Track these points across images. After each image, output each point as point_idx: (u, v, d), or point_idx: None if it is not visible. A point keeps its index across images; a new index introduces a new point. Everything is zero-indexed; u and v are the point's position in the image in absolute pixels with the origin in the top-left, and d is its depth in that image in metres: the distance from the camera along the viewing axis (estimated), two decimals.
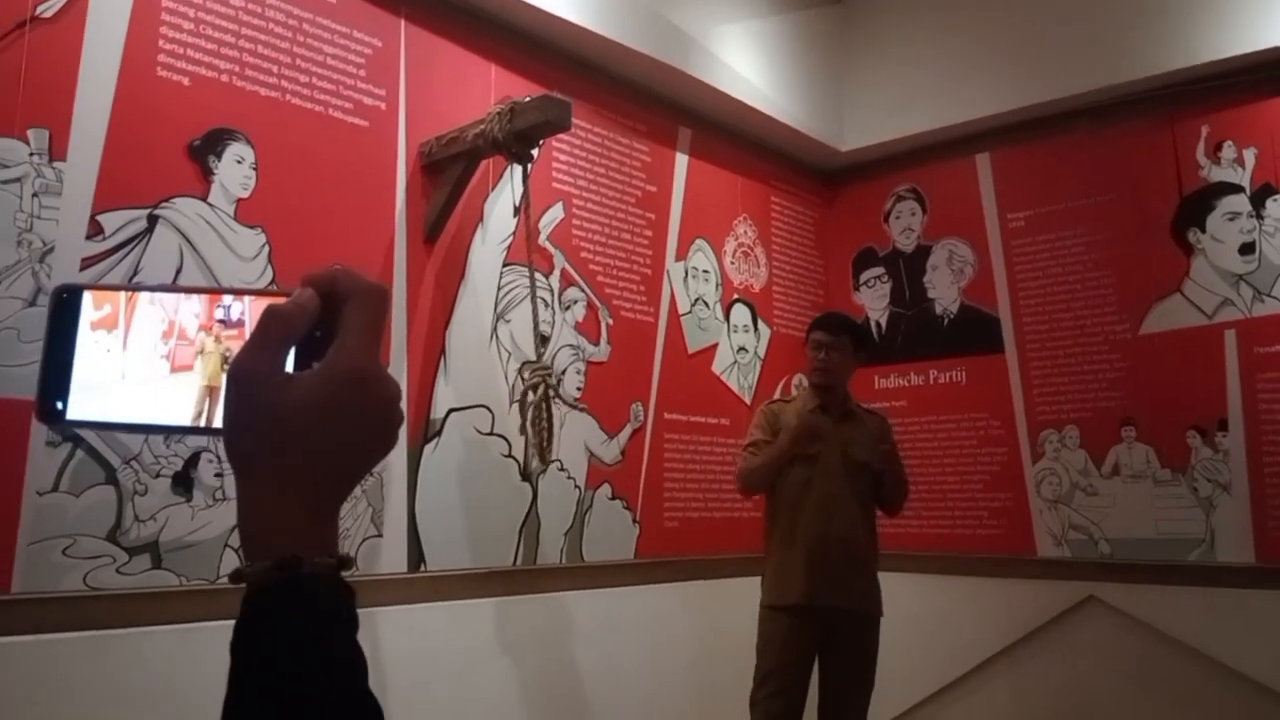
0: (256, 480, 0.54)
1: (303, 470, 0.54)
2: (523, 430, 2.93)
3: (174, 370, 0.58)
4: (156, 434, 2.21)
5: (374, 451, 0.57)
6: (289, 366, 0.55)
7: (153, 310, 0.59)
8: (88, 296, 0.58)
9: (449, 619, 2.93)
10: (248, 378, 0.54)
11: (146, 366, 0.58)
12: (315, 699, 0.51)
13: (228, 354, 0.57)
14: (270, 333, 0.55)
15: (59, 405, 0.57)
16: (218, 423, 0.57)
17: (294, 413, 0.54)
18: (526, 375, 2.95)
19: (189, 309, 0.59)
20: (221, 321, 0.58)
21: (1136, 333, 3.95)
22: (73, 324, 0.58)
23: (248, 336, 0.55)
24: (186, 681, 2.33)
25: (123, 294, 0.59)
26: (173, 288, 0.60)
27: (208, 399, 0.58)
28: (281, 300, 0.56)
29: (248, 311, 0.58)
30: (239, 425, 0.54)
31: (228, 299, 0.59)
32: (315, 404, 0.54)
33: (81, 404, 0.57)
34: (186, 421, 0.58)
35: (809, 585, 3.13)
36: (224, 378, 0.56)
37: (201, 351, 0.58)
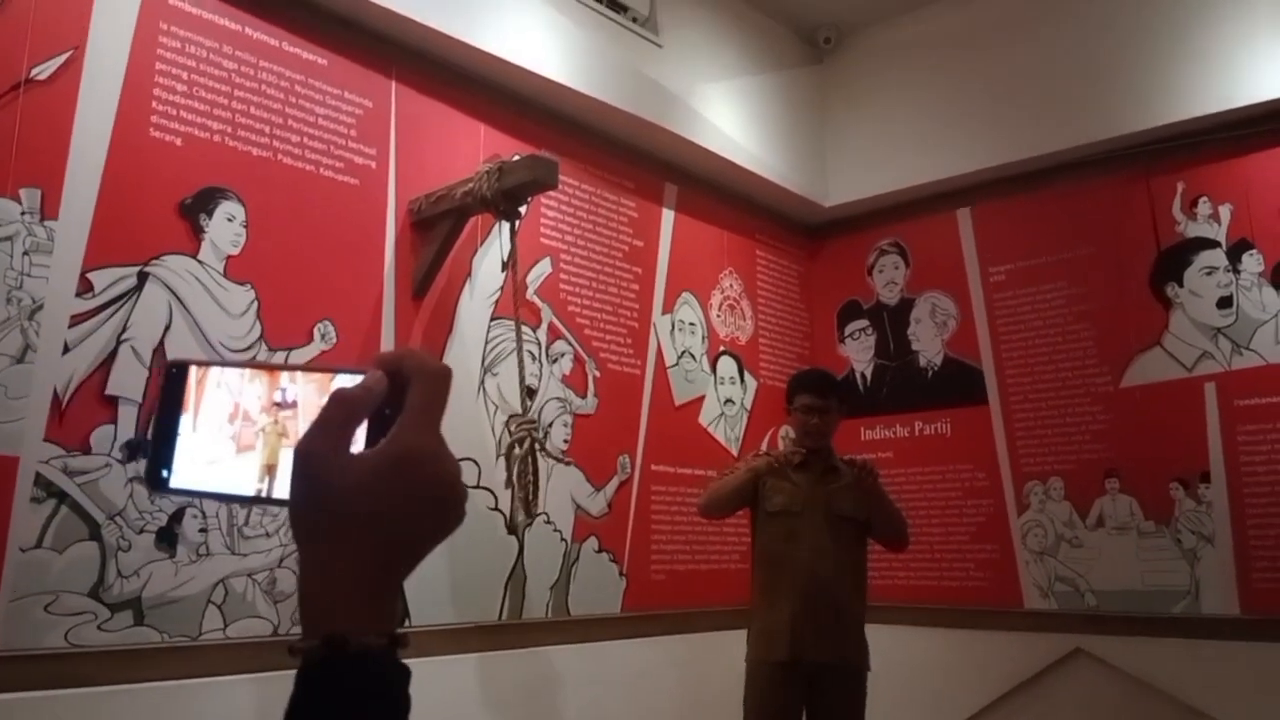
0: (315, 556, 0.56)
1: (359, 549, 0.55)
2: (509, 484, 2.95)
3: (239, 451, 0.61)
4: (245, 504, 2.26)
5: (434, 530, 0.59)
6: (360, 443, 0.57)
7: (219, 394, 0.62)
8: (193, 371, 0.62)
9: (433, 675, 2.91)
10: (309, 457, 0.56)
11: (215, 447, 0.61)
12: None
13: (284, 433, 0.60)
14: (334, 415, 0.56)
15: (164, 474, 0.61)
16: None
17: (352, 492, 0.55)
18: (513, 429, 2.97)
19: (252, 392, 0.62)
20: (278, 404, 0.61)
21: (1118, 385, 3.99)
22: (179, 397, 0.62)
23: (315, 417, 0.57)
24: None
25: (192, 377, 0.62)
26: (262, 365, 0.64)
27: (268, 476, 0.61)
28: (354, 379, 0.58)
29: (300, 392, 0.61)
30: (300, 503, 0.56)
31: (284, 381, 0.62)
32: (373, 483, 0.55)
33: (179, 474, 0.61)
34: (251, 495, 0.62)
35: (795, 641, 3.13)
36: (282, 454, 0.60)
37: (262, 431, 0.61)
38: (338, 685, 0.53)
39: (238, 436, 0.61)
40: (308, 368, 0.63)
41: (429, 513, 0.58)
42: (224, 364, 0.64)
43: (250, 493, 0.61)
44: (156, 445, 0.62)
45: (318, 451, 0.56)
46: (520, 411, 3.01)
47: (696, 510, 3.44)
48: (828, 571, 3.19)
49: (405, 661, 0.57)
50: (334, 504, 0.55)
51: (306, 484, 0.56)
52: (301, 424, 0.60)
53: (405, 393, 0.58)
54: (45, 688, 2.17)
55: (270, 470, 0.61)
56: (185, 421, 0.62)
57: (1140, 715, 3.71)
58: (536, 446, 2.92)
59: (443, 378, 0.60)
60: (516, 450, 2.91)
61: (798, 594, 3.16)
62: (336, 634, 0.53)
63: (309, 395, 0.61)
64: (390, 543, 0.57)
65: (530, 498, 2.91)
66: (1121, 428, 3.96)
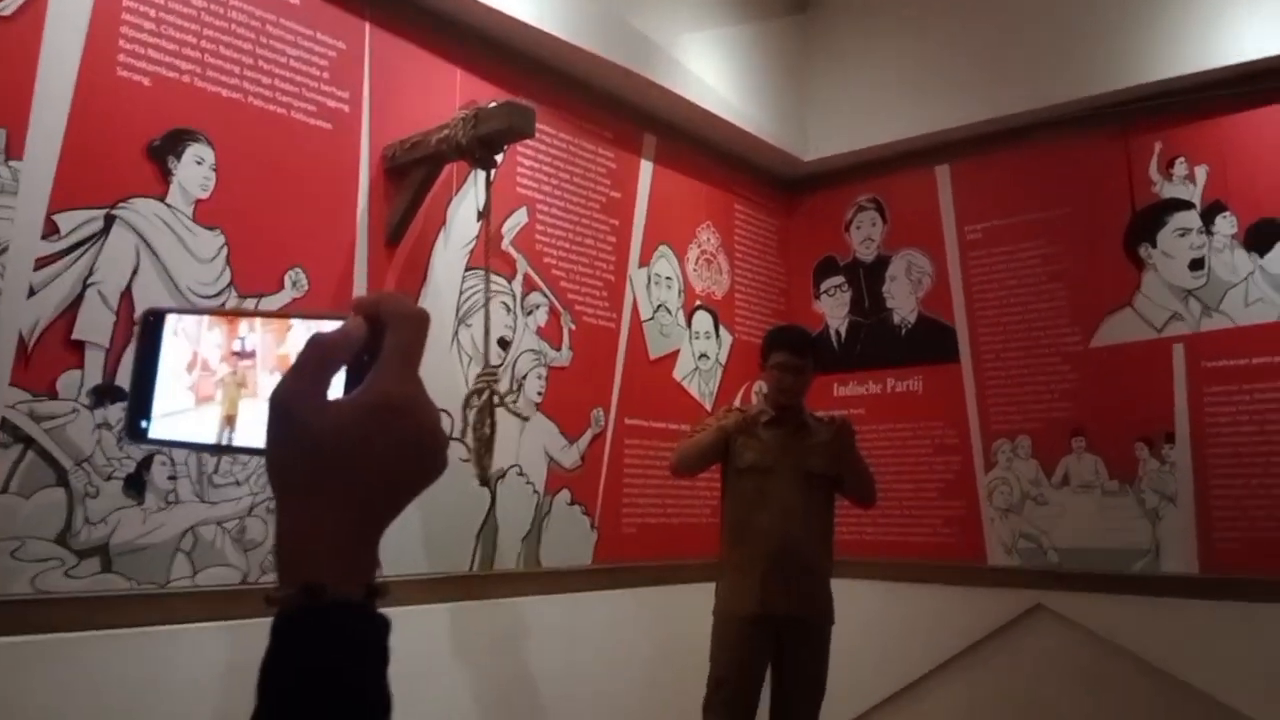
0: (292, 505, 0.55)
1: (337, 497, 0.54)
2: (463, 435, 2.92)
3: (198, 402, 0.60)
4: (223, 454, 2.22)
5: (413, 478, 0.58)
6: (339, 390, 0.56)
7: (177, 342, 0.61)
8: (170, 320, 0.61)
9: (404, 624, 2.91)
10: (286, 403, 0.54)
11: (174, 398, 0.60)
12: None
13: (243, 383, 0.59)
14: (311, 360, 0.55)
15: (143, 424, 0.60)
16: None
17: (329, 439, 0.54)
18: (475, 380, 2.94)
19: (211, 340, 0.60)
20: (237, 354, 0.60)
21: (1088, 345, 4.03)
22: (156, 347, 0.61)
23: (290, 362, 0.56)
24: (136, 688, 2.31)
25: (169, 326, 0.61)
26: (242, 312, 0.63)
27: (228, 427, 0.59)
28: (332, 325, 0.57)
29: (259, 341, 0.60)
30: (277, 450, 0.55)
31: (243, 330, 0.60)
32: (349, 430, 0.54)
33: (158, 425, 0.60)
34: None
35: (763, 594, 3.17)
36: (241, 405, 0.59)
37: (221, 381, 0.60)
38: (315, 636, 0.53)
39: (196, 386, 0.60)
40: (285, 314, 0.61)
41: (408, 461, 0.57)
42: (203, 311, 0.62)
43: (220, 443, 0.60)
44: (135, 395, 0.60)
45: (296, 397, 0.55)
46: (491, 363, 2.99)
47: (668, 469, 3.44)
48: (796, 528, 3.22)
49: (384, 612, 0.56)
50: (311, 451, 0.54)
51: (283, 431, 0.55)
52: (260, 374, 0.59)
53: (382, 338, 0.57)
54: (11, 633, 2.16)
55: (230, 421, 0.59)
56: (164, 371, 0.60)
57: (1100, 670, 3.80)
58: (495, 399, 2.88)
59: (421, 322, 0.58)
60: (474, 401, 2.88)
61: (767, 549, 3.19)
62: (314, 584, 0.53)
63: (268, 344, 0.59)
64: (369, 492, 0.56)
65: (483, 452, 2.85)
66: (1090, 387, 4.01)
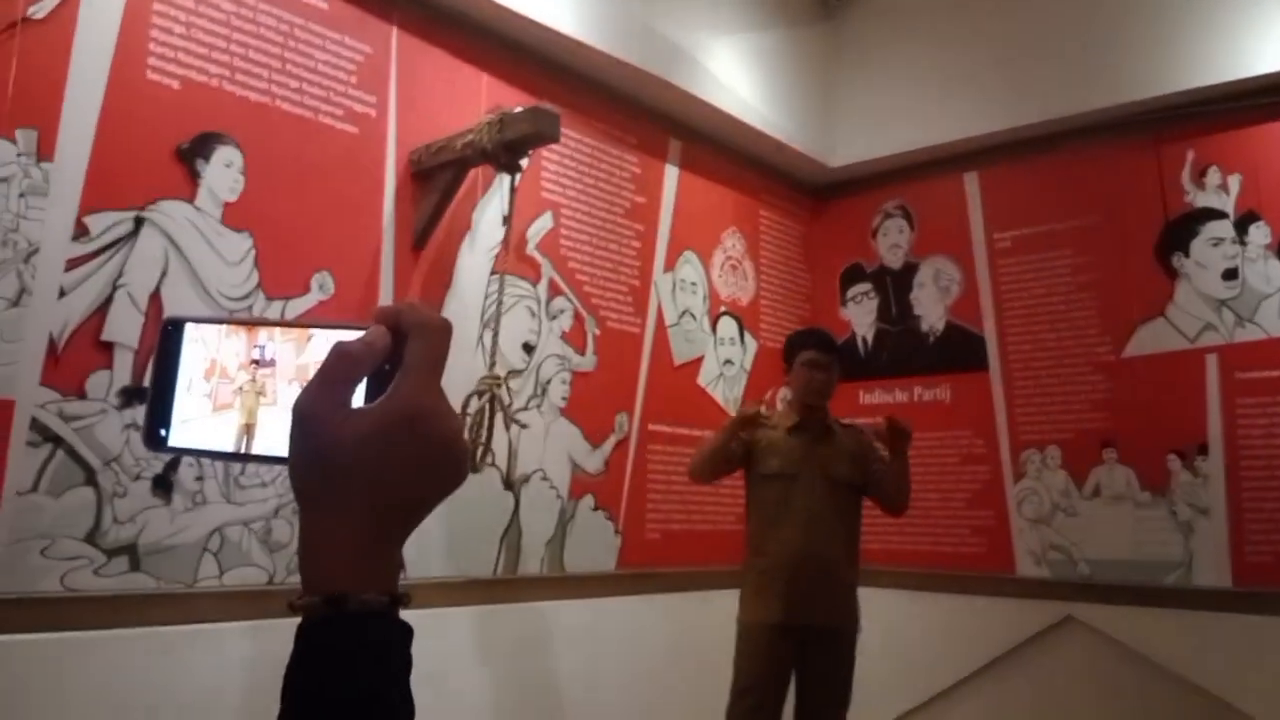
0: (314, 514, 0.55)
1: (360, 506, 0.55)
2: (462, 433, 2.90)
3: (216, 409, 0.60)
4: (242, 463, 2.23)
5: (434, 488, 0.58)
6: (360, 399, 0.56)
7: (195, 349, 0.61)
8: (189, 328, 0.61)
9: (428, 627, 2.92)
10: (308, 413, 0.55)
11: (191, 405, 0.60)
12: None
13: (262, 392, 0.59)
14: (334, 369, 0.55)
15: (163, 433, 0.60)
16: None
17: (351, 449, 0.54)
18: (480, 382, 2.93)
19: (230, 348, 0.60)
20: (256, 362, 0.60)
21: (1120, 355, 3.98)
22: (176, 356, 0.61)
23: (313, 372, 0.56)
24: (162, 686, 2.33)
25: (189, 335, 0.61)
26: (262, 320, 0.62)
27: (246, 435, 0.59)
28: (354, 335, 0.57)
29: (279, 350, 0.60)
30: (300, 460, 0.55)
31: (263, 339, 0.60)
32: (371, 440, 0.54)
33: (177, 433, 0.60)
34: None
35: (787, 603, 3.15)
36: (260, 414, 0.59)
37: (240, 390, 0.60)
38: (338, 643, 0.53)
39: (214, 394, 0.60)
40: (305, 324, 0.61)
41: (429, 471, 0.57)
42: (223, 321, 0.62)
43: (239, 451, 0.60)
44: (154, 404, 0.61)
45: (318, 408, 0.55)
46: (519, 367, 2.99)
47: (687, 476, 3.42)
48: (821, 535, 3.19)
49: (405, 618, 0.56)
50: (334, 461, 0.54)
51: (306, 440, 0.55)
52: (279, 383, 0.59)
53: (404, 347, 0.57)
54: (40, 630, 2.18)
55: (249, 430, 0.59)
56: (183, 379, 0.60)
57: (1130, 683, 3.74)
58: (495, 405, 2.86)
59: (443, 332, 0.58)
60: (473, 404, 2.86)
61: (791, 557, 3.17)
62: (337, 592, 0.53)
63: (287, 354, 0.59)
64: (390, 501, 0.56)
65: (479, 457, 2.84)
66: (1121, 398, 3.95)
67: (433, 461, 0.57)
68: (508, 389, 2.93)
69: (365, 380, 0.56)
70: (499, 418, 2.87)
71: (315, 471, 0.55)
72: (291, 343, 0.60)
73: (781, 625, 3.15)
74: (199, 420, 0.60)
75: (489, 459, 2.89)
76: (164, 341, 0.61)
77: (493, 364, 2.98)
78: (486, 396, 2.84)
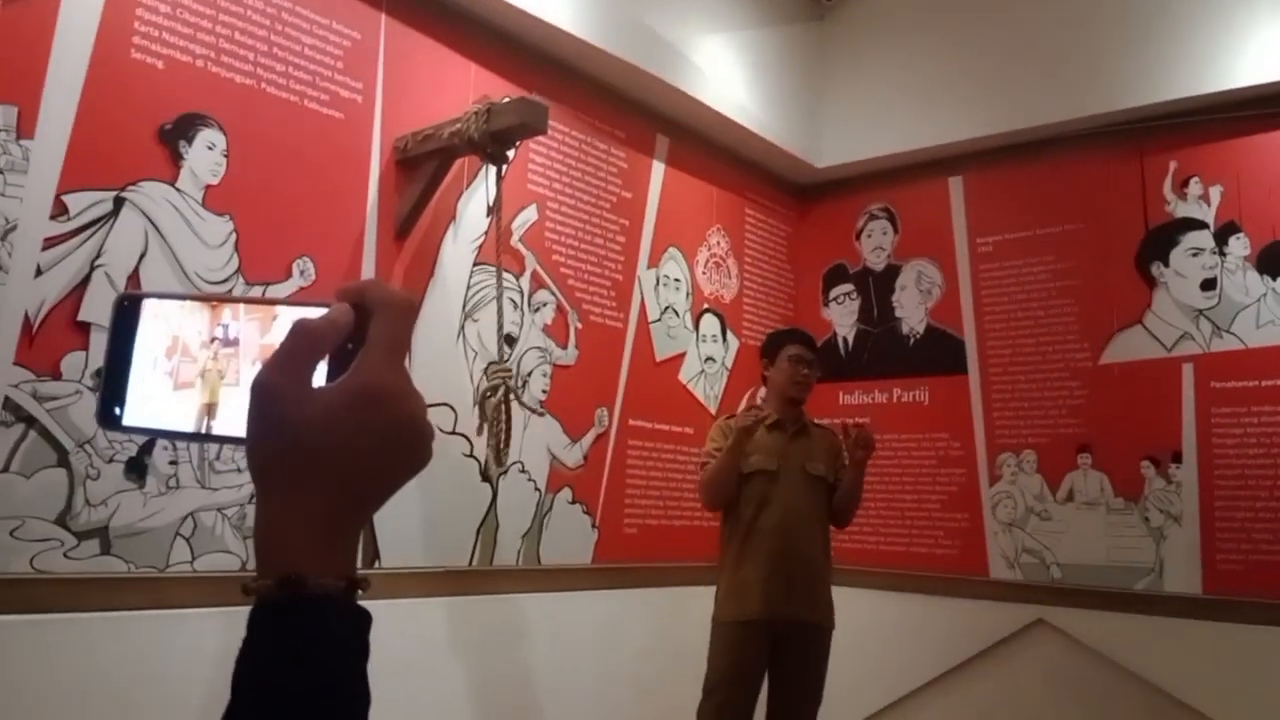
0: (272, 495, 0.54)
1: (319, 487, 0.53)
2: (480, 431, 2.93)
3: (177, 388, 0.58)
4: (198, 442, 2.22)
5: (397, 470, 0.56)
6: (322, 378, 0.55)
7: (156, 326, 0.59)
8: (147, 305, 0.59)
9: (403, 616, 2.92)
10: (267, 391, 0.53)
11: (152, 383, 0.58)
12: None
13: (224, 372, 0.58)
14: (295, 348, 0.54)
15: (117, 411, 0.59)
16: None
17: (310, 429, 0.53)
18: (489, 376, 2.95)
19: (192, 326, 0.59)
20: (219, 340, 0.58)
21: (1097, 361, 4.01)
22: (131, 332, 0.59)
23: (274, 349, 0.55)
24: (131, 671, 2.31)
25: (145, 312, 0.59)
26: (224, 298, 0.61)
27: (207, 415, 0.58)
28: (316, 313, 0.56)
29: (242, 330, 0.58)
30: (257, 439, 0.54)
31: (226, 318, 0.59)
32: (331, 421, 0.53)
33: (132, 412, 0.59)
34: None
35: (766, 599, 3.16)
36: (222, 394, 0.57)
37: (203, 371, 0.58)
38: (293, 628, 0.51)
39: (175, 372, 0.58)
40: (268, 301, 0.60)
41: (392, 452, 0.55)
42: (183, 297, 0.60)
43: (199, 431, 0.59)
44: (107, 381, 0.59)
45: (278, 386, 0.53)
46: (498, 359, 2.99)
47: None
48: (800, 531, 3.22)
49: (366, 605, 0.55)
50: (293, 441, 0.53)
51: (265, 419, 0.53)
52: (243, 363, 0.58)
53: (368, 325, 0.56)
54: (9, 612, 2.16)
55: (210, 409, 0.58)
56: (138, 357, 0.59)
57: (1099, 687, 3.78)
58: (511, 396, 2.89)
59: (407, 310, 0.57)
60: (490, 398, 2.89)
61: (771, 552, 3.19)
62: (293, 574, 0.51)
63: (251, 333, 0.58)
64: (351, 483, 0.54)
65: (501, 447, 2.88)
66: (1097, 404, 3.98)
67: (395, 443, 0.55)
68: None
69: (327, 359, 0.55)
70: (515, 410, 2.90)
71: (273, 451, 0.53)
72: (256, 322, 0.58)
73: (759, 622, 3.16)
74: (159, 399, 0.58)
75: (508, 455, 2.91)
76: (118, 318, 0.59)
77: (500, 355, 2.98)
78: (501, 391, 2.85)
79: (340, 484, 0.54)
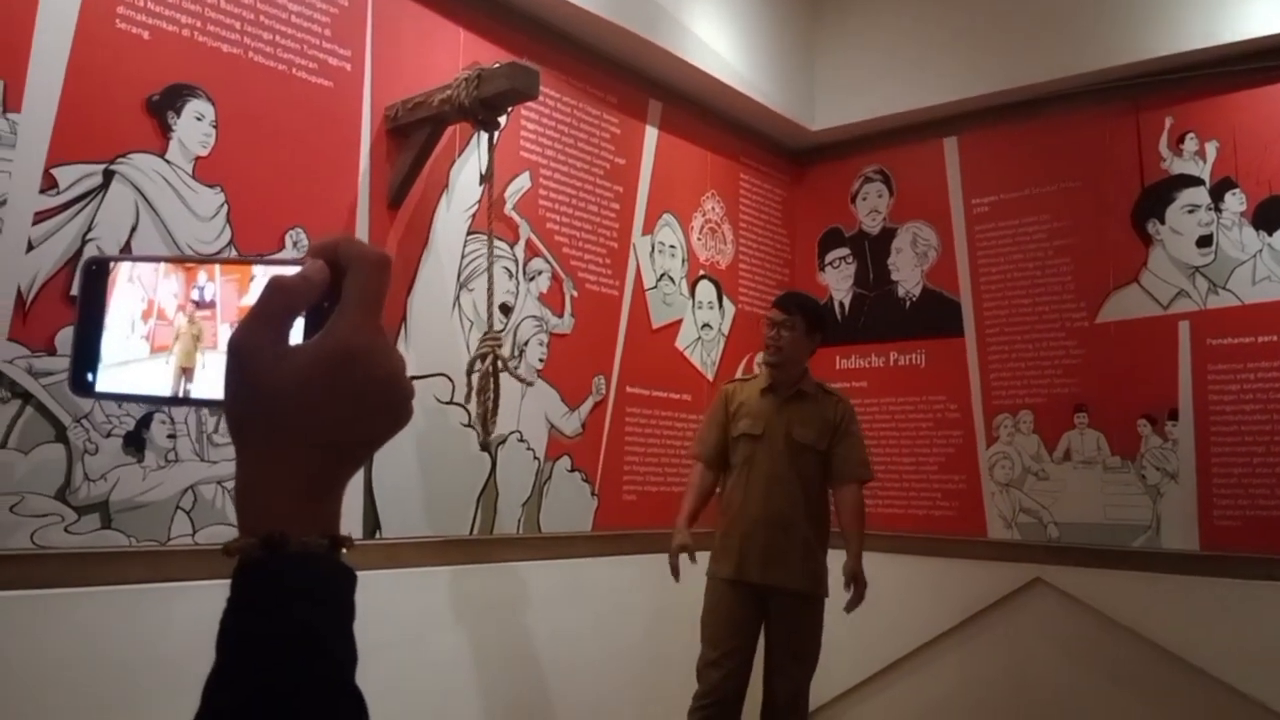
0: (251, 455, 0.53)
1: (298, 446, 0.53)
2: (468, 399, 2.92)
3: (154, 352, 0.58)
4: (172, 406, 2.20)
5: (375, 428, 0.56)
6: (299, 336, 0.54)
7: (132, 289, 0.58)
8: (124, 267, 0.58)
9: (404, 586, 2.93)
10: (243, 350, 0.53)
11: (126, 346, 0.58)
12: (290, 682, 0.49)
13: (199, 334, 0.57)
14: (270, 305, 0.53)
15: (89, 377, 0.58)
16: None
17: (288, 387, 0.52)
18: (480, 345, 2.94)
19: (168, 288, 0.58)
20: (195, 303, 0.57)
21: (1093, 321, 4.01)
22: (101, 297, 0.58)
23: (249, 308, 0.54)
24: (133, 644, 2.32)
25: (114, 275, 0.58)
26: (197, 258, 0.60)
27: (182, 379, 0.57)
28: (291, 271, 0.55)
29: (219, 291, 0.58)
30: (235, 399, 0.53)
31: (202, 280, 0.58)
32: (308, 379, 0.52)
33: (105, 377, 0.58)
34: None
35: (740, 561, 3.22)
36: (199, 357, 0.56)
37: (178, 334, 0.57)
38: (277, 586, 0.51)
39: (152, 336, 0.58)
40: (242, 260, 0.59)
41: (370, 410, 0.55)
42: (154, 259, 0.59)
43: (176, 395, 0.58)
44: (79, 348, 0.58)
45: (253, 344, 0.52)
46: (494, 328, 2.98)
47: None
48: (779, 497, 3.22)
49: (369, 575, 0.54)
50: (269, 400, 0.52)
51: (241, 379, 0.53)
52: (220, 325, 0.57)
53: (343, 282, 0.55)
54: (10, 588, 2.16)
55: (187, 372, 0.57)
56: (109, 321, 0.58)
57: (1097, 645, 3.81)
58: (499, 364, 2.87)
59: (382, 265, 0.56)
60: (478, 366, 2.88)
61: (748, 517, 3.22)
62: (275, 533, 0.51)
63: (228, 295, 0.57)
64: (329, 442, 0.54)
65: (488, 416, 2.86)
66: (1094, 363, 3.99)
67: (373, 400, 0.54)
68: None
69: (304, 316, 0.55)
70: (502, 376, 2.88)
71: (251, 409, 0.53)
72: (234, 283, 0.57)
73: (738, 582, 3.20)
74: (136, 363, 0.58)
75: (494, 424, 2.90)
76: (87, 282, 0.58)
77: (490, 324, 2.97)
78: (490, 359, 2.84)
79: (319, 443, 0.53)
